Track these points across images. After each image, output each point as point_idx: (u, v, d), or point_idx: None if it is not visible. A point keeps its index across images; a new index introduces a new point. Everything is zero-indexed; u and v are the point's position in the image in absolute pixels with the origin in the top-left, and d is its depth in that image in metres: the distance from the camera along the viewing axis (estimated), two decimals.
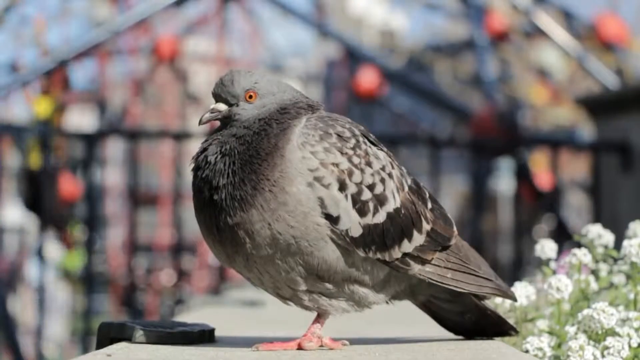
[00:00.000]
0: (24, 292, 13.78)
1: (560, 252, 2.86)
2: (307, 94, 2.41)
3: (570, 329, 2.48)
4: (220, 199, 2.22)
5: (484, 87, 12.73)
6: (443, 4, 15.56)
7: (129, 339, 2.35)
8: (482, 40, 13.14)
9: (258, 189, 2.20)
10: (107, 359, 2.12)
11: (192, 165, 2.30)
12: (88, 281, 9.96)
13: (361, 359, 2.18)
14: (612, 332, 2.41)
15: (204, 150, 2.29)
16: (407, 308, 2.60)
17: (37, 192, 11.13)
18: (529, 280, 2.89)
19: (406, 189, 2.33)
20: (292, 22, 13.73)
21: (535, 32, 12.84)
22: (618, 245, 2.73)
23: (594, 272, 2.79)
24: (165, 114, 17.41)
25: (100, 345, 2.37)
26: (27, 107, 13.75)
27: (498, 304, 2.68)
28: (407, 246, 2.31)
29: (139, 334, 2.34)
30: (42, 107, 12.92)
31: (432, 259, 2.35)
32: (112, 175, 17.03)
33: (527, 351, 2.43)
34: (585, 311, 2.41)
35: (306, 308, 2.32)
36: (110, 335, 2.39)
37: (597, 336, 2.40)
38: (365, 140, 2.31)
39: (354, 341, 2.41)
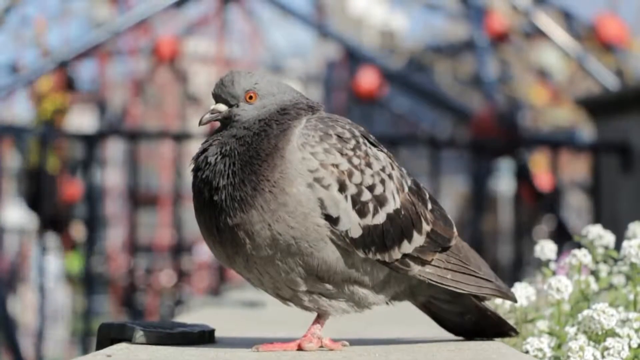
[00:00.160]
0: (24, 292, 13.78)
1: (560, 252, 2.86)
2: (307, 94, 2.41)
3: (570, 330, 2.48)
4: (220, 200, 2.22)
5: (484, 87, 12.73)
6: (443, 5, 15.56)
7: (129, 339, 2.35)
8: (482, 40, 13.13)
9: (258, 190, 2.20)
10: None
11: (192, 166, 2.29)
12: (88, 282, 9.96)
13: None
14: (612, 333, 2.41)
15: (204, 151, 2.28)
16: (407, 309, 2.60)
17: (38, 192, 11.13)
18: (529, 281, 2.89)
19: (406, 189, 2.33)
20: (292, 22, 13.74)
21: (535, 33, 12.84)
22: (618, 246, 2.73)
23: (594, 273, 2.79)
24: (165, 115, 17.42)
25: (101, 345, 2.37)
26: (28, 108, 13.75)
27: (498, 304, 2.68)
28: (407, 247, 2.30)
29: (139, 334, 2.34)
30: (44, 108, 12.93)
31: (432, 259, 2.35)
32: (112, 176, 17.04)
33: (527, 352, 2.43)
34: (585, 312, 2.41)
35: (306, 309, 2.32)
36: (111, 335, 2.39)
37: (597, 337, 2.40)
38: (365, 141, 2.31)
39: (353, 342, 2.40)
